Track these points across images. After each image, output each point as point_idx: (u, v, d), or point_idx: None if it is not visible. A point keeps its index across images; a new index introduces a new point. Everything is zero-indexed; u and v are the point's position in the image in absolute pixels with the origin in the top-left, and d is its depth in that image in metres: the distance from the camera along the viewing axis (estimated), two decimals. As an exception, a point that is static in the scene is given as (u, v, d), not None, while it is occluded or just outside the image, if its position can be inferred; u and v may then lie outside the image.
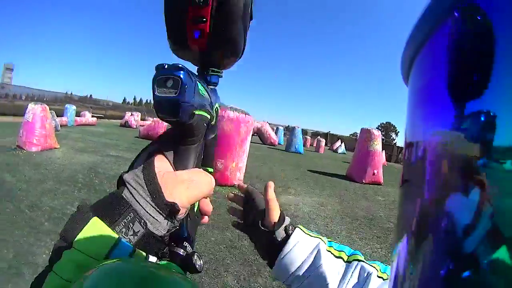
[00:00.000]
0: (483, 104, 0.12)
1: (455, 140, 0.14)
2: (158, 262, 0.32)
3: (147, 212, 0.32)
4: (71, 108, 16.98)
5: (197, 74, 0.40)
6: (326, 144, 24.05)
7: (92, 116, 21.04)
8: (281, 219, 0.57)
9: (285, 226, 0.56)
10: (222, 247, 3.31)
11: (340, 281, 0.49)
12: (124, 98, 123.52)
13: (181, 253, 0.35)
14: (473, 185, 0.12)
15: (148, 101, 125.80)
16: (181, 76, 0.31)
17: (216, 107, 0.42)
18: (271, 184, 0.61)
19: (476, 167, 0.12)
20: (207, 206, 0.43)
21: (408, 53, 0.18)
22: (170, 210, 0.32)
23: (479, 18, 0.13)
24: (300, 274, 0.50)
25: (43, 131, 7.68)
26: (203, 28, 0.33)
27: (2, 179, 4.87)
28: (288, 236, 0.54)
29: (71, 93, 61.28)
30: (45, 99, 40.33)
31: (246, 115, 6.10)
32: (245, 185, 0.70)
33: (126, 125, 20.99)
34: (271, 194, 0.60)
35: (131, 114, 24.05)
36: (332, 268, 0.50)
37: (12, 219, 3.49)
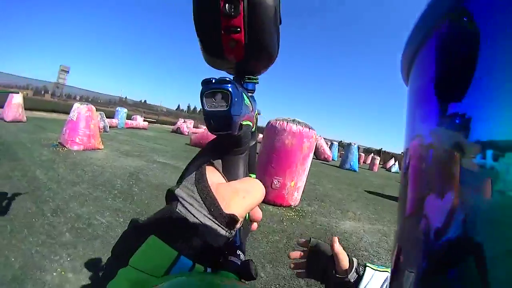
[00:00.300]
0: (462, 107, 0.15)
1: (435, 141, 0.17)
2: (217, 273, 0.35)
3: (206, 225, 0.36)
4: (122, 111, 18.46)
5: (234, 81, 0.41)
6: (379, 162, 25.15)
7: (144, 120, 22.85)
8: (351, 264, 0.75)
9: (355, 269, 0.74)
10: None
11: None
12: (178, 105, 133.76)
13: (236, 262, 0.38)
14: (448, 188, 0.15)
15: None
16: (230, 89, 0.34)
17: (256, 114, 0.46)
18: (336, 240, 0.81)
19: (451, 169, 0.15)
20: (257, 213, 0.46)
21: (408, 55, 0.21)
22: (228, 221, 0.36)
23: (465, 24, 0.16)
24: None
25: (87, 131, 8.22)
26: (239, 38, 0.37)
27: (33, 175, 4.97)
28: (360, 276, 0.72)
29: (126, 97, 67.76)
30: (99, 101, 44.83)
31: (310, 129, 5.95)
32: (304, 240, 0.93)
33: (178, 131, 22.53)
34: (338, 247, 0.79)
35: (184, 121, 25.41)
36: None
37: (30, 223, 3.34)
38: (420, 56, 0.19)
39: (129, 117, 20.65)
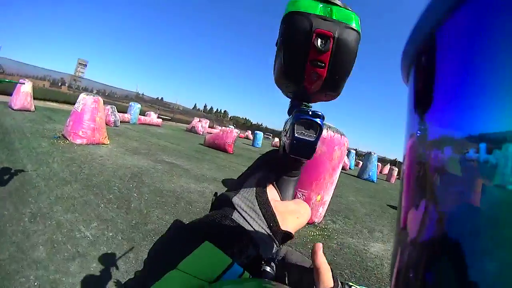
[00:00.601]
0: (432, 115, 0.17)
1: (413, 149, 0.19)
2: (266, 280, 0.36)
3: (262, 238, 0.39)
4: (136, 106, 18.03)
5: (290, 105, 0.47)
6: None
7: (158, 117, 22.38)
8: (335, 281, 0.50)
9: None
10: None
11: None
12: (195, 104, 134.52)
13: (271, 272, 0.39)
14: (422, 197, 0.16)
15: (219, 110, 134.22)
16: (321, 123, 0.40)
17: None
18: (320, 246, 0.52)
19: (427, 178, 0.16)
20: None
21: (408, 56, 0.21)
22: (283, 237, 0.41)
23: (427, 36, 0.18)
24: None
25: (92, 124, 7.67)
26: (321, 73, 0.38)
27: (21, 169, 4.37)
28: None
29: (142, 94, 68.05)
30: (116, 95, 44.89)
31: (342, 136, 5.07)
32: None
33: (192, 130, 22.14)
34: (322, 258, 0.51)
35: (199, 120, 25.02)
36: None
37: (2, 229, 2.73)
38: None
39: (142, 113, 20.33)
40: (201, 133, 21.15)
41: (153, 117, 20.93)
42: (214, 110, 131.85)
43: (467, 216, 0.13)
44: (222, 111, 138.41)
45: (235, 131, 13.52)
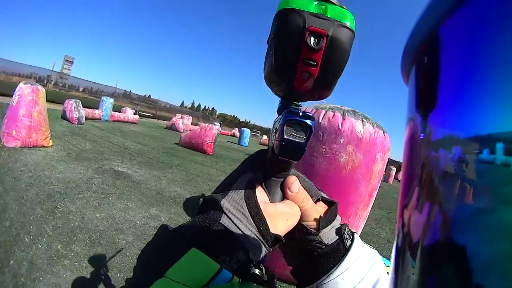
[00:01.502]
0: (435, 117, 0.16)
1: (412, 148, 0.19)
2: (251, 285, 0.38)
3: (251, 242, 0.38)
4: (108, 101, 15.96)
5: (280, 104, 0.46)
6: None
7: (135, 113, 20.27)
8: (331, 214, 0.48)
9: (338, 229, 0.48)
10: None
11: None
12: (183, 101, 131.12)
13: (259, 275, 0.41)
14: (426, 200, 0.16)
15: (206, 107, 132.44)
16: (311, 125, 0.38)
17: None
18: (294, 180, 0.48)
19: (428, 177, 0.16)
20: None
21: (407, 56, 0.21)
22: (273, 241, 0.40)
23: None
24: None
25: (27, 121, 6.09)
26: (313, 72, 0.37)
27: None
28: (344, 246, 0.47)
29: (130, 91, 65.94)
30: (103, 93, 43.24)
31: (385, 135, 2.81)
32: None
33: (172, 128, 20.01)
34: (297, 185, 0.48)
35: (181, 116, 23.31)
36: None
37: None
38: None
39: (118, 109, 18.51)
40: (182, 130, 19.12)
41: (129, 113, 18.96)
42: (202, 107, 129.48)
43: (473, 219, 0.12)
44: (210, 108, 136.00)
45: (216, 128, 11.50)
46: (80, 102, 12.05)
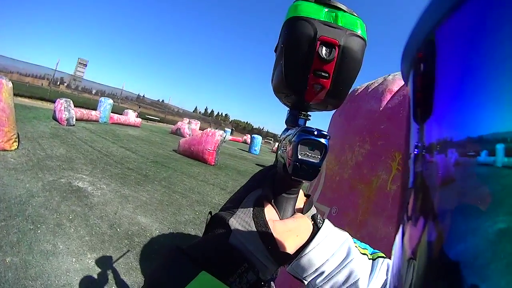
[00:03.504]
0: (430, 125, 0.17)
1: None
2: None
3: (261, 261, 0.39)
4: (106, 102, 14.93)
5: (289, 114, 0.47)
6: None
7: (138, 117, 19.29)
8: (309, 204, 0.54)
9: (313, 215, 0.53)
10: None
11: (369, 277, 0.51)
12: (196, 107, 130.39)
13: None
14: (420, 214, 0.16)
15: (220, 113, 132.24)
16: (326, 144, 0.36)
17: None
18: None
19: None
20: None
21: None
22: (283, 259, 0.41)
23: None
24: (326, 270, 0.49)
25: None
26: (325, 84, 0.38)
27: None
28: (317, 227, 0.51)
29: (143, 95, 66.11)
30: (116, 97, 43.17)
31: None
32: None
33: (177, 132, 18.93)
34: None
35: (189, 121, 22.19)
36: (361, 264, 0.51)
37: None
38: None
39: (120, 112, 17.65)
40: (188, 135, 17.80)
41: (130, 116, 17.99)
42: (216, 113, 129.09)
43: (468, 233, 0.12)
44: (224, 115, 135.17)
45: (220, 134, 10.04)
46: (71, 102, 11.06)
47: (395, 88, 1.60)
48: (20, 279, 2.23)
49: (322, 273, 0.48)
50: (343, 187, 1.82)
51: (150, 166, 7.20)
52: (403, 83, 1.94)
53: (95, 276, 2.51)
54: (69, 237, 3.03)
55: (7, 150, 5.42)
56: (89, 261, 2.71)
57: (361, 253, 0.53)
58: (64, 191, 4.22)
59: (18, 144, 5.82)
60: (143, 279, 2.85)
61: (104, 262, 2.76)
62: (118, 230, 3.49)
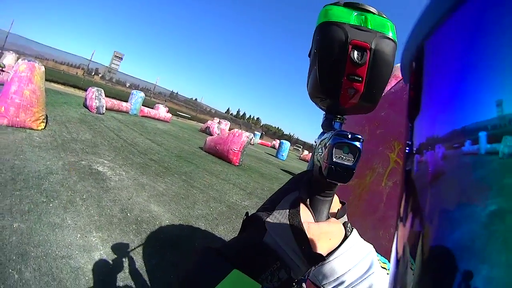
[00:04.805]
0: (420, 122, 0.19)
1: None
2: None
3: (293, 260, 0.42)
4: (138, 95, 15.49)
5: (324, 119, 0.50)
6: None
7: (168, 112, 19.78)
8: (343, 211, 0.56)
9: (344, 222, 0.54)
10: None
11: None
12: (228, 108, 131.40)
13: None
14: (410, 211, 0.18)
15: (251, 116, 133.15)
16: (360, 147, 0.39)
17: None
18: None
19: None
20: None
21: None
22: (315, 260, 0.43)
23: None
24: (347, 280, 0.49)
25: (17, 99, 5.78)
26: (358, 88, 0.39)
27: None
28: (345, 235, 0.53)
29: (177, 92, 67.96)
30: (149, 91, 44.83)
31: None
32: None
33: (206, 131, 19.31)
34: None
35: (219, 121, 22.39)
36: (381, 278, 0.51)
37: None
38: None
39: (151, 106, 18.37)
40: (216, 135, 18.10)
41: (161, 111, 18.50)
42: (247, 116, 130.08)
43: (462, 221, 0.13)
44: (255, 118, 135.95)
45: (246, 135, 10.07)
46: (102, 91, 11.66)
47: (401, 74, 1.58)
48: (22, 244, 2.34)
49: (342, 282, 0.49)
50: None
51: (173, 159, 7.35)
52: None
53: (96, 255, 2.58)
54: (79, 214, 3.15)
55: (34, 129, 5.85)
56: (94, 239, 2.79)
57: (381, 267, 0.54)
58: (83, 172, 4.40)
59: (46, 125, 6.21)
60: (143, 262, 2.76)
61: (108, 243, 2.83)
62: (129, 215, 3.57)
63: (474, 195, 0.13)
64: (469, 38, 0.15)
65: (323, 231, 0.45)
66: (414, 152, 0.18)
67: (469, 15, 0.15)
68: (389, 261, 0.57)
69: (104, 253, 2.63)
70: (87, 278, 2.26)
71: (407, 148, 0.20)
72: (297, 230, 0.42)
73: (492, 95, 0.13)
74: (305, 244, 0.41)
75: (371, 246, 0.55)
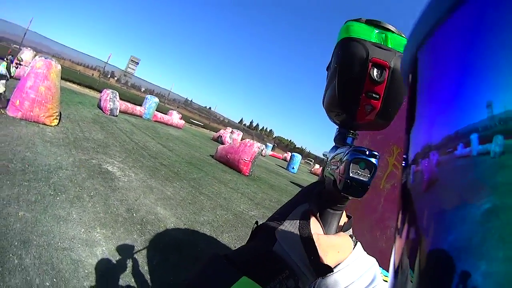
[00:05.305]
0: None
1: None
2: None
3: (301, 270, 0.42)
4: (152, 100, 15.84)
5: (337, 133, 0.50)
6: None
7: (181, 119, 20.00)
8: (349, 224, 0.57)
9: (349, 236, 0.55)
10: None
11: None
12: (241, 119, 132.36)
13: None
14: (404, 222, 0.19)
15: (264, 128, 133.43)
16: (376, 164, 0.39)
17: None
18: None
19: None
20: None
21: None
22: (323, 271, 0.43)
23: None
24: None
25: (32, 94, 6.02)
26: (375, 105, 0.41)
27: None
28: None
29: (191, 100, 68.78)
30: (164, 97, 45.59)
31: None
32: None
33: (218, 140, 19.66)
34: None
35: (232, 131, 22.67)
36: None
37: None
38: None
39: (165, 111, 18.66)
40: (228, 144, 18.42)
41: (174, 117, 18.72)
42: (260, 127, 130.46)
43: (457, 223, 0.14)
44: (268, 130, 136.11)
45: (257, 146, 10.15)
46: (117, 94, 11.95)
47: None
48: (26, 232, 2.38)
49: None
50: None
51: (183, 165, 7.41)
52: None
53: (98, 250, 2.59)
54: (85, 209, 3.20)
55: (47, 125, 6.05)
56: (97, 235, 2.82)
57: (384, 280, 0.54)
58: (93, 170, 4.48)
59: (59, 122, 6.38)
60: (144, 262, 2.76)
61: (111, 240, 2.84)
62: (134, 215, 3.60)
63: (468, 196, 0.13)
64: (458, 46, 0.16)
65: (332, 243, 0.45)
66: (410, 163, 0.19)
67: (458, 25, 0.16)
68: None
69: (106, 249, 2.65)
70: (86, 271, 2.27)
71: (403, 162, 0.20)
72: (307, 241, 0.43)
73: (482, 97, 0.13)
74: (314, 255, 0.42)
75: (374, 259, 0.55)
